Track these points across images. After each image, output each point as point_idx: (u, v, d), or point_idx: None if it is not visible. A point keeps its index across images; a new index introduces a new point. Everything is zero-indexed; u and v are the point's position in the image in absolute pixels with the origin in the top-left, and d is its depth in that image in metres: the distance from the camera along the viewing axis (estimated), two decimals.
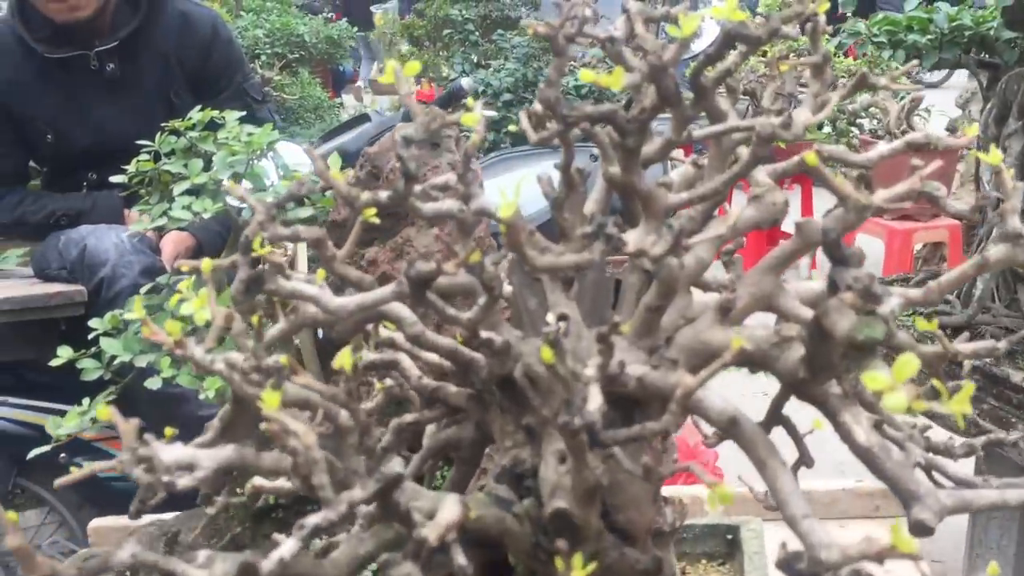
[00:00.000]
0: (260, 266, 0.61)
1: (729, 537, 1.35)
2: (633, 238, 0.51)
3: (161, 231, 2.77)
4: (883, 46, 3.23)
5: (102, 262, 2.51)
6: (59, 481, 0.50)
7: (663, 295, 0.57)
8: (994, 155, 0.59)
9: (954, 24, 2.87)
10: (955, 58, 2.82)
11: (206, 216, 1.20)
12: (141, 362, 1.20)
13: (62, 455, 2.65)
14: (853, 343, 0.44)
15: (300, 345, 1.26)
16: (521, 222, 0.51)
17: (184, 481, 0.50)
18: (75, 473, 0.57)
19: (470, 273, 0.54)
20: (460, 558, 0.50)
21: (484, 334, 0.56)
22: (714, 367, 0.47)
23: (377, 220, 0.62)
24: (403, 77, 0.57)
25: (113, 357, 1.22)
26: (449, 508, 0.53)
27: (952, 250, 4.56)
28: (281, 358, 0.53)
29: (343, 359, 0.50)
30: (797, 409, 0.60)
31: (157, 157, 1.30)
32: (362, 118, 3.33)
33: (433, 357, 0.68)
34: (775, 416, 0.64)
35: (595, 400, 0.46)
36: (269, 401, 0.48)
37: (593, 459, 0.55)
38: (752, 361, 0.57)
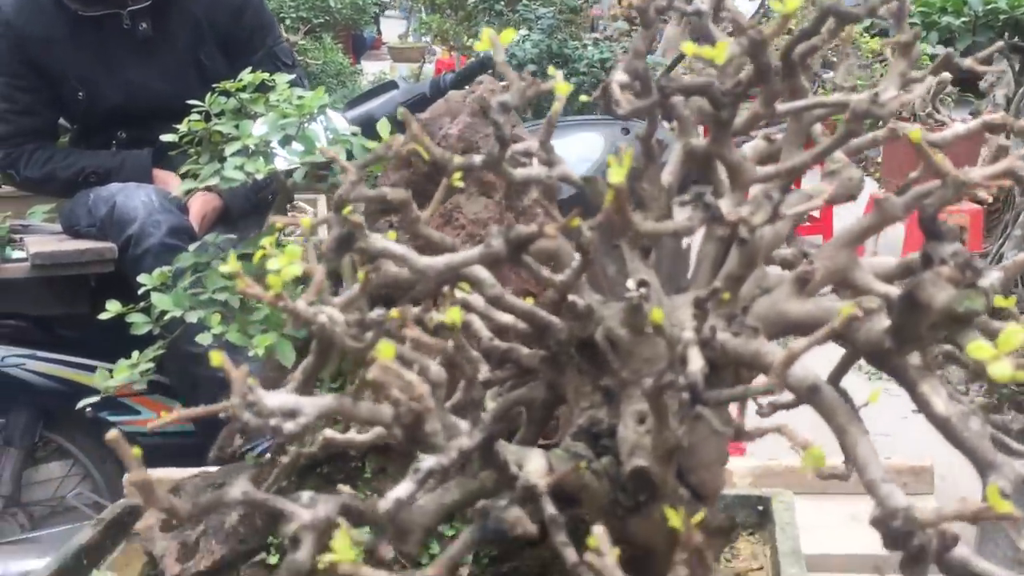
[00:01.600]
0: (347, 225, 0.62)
1: (760, 508, 1.37)
2: (725, 208, 0.53)
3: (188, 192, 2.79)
4: (916, 27, 3.21)
5: (131, 220, 2.53)
6: (111, 435, 0.51)
7: (746, 265, 0.59)
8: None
9: (989, 7, 2.86)
10: (988, 41, 2.80)
11: (259, 177, 1.21)
12: (192, 318, 1.22)
13: (88, 408, 2.70)
14: (952, 315, 0.46)
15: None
16: (626, 188, 0.52)
17: (289, 426, 0.52)
18: (167, 417, 0.59)
19: (567, 237, 0.55)
20: (551, 508, 0.52)
21: (570, 297, 0.58)
22: (820, 334, 0.49)
23: (461, 183, 0.63)
24: (498, 44, 0.58)
25: (163, 312, 1.24)
26: (536, 461, 0.55)
27: (972, 234, 4.55)
28: (392, 312, 0.55)
29: (452, 315, 0.52)
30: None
31: (207, 117, 1.32)
32: (389, 85, 3.32)
33: (507, 319, 0.69)
34: (835, 386, 0.66)
35: (696, 361, 0.48)
36: (385, 352, 0.50)
37: (674, 421, 0.56)
38: (835, 335, 0.59)
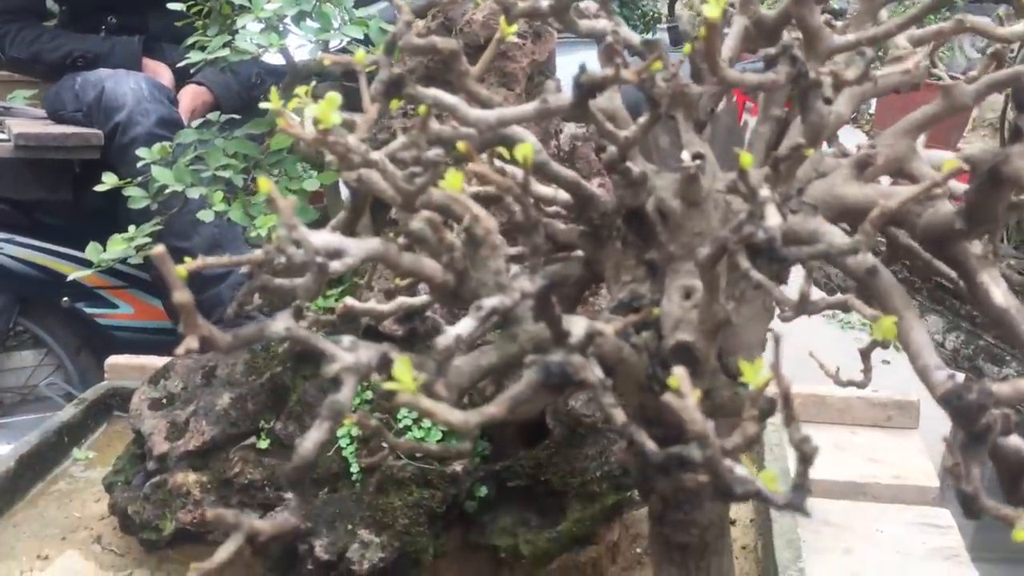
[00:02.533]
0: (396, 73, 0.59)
1: None
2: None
3: (184, 77, 2.72)
4: None
5: (119, 107, 2.46)
6: (156, 250, 0.47)
7: (812, 140, 0.56)
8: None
9: None
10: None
11: (272, 51, 1.16)
12: (193, 194, 1.18)
13: (65, 299, 2.66)
14: None
15: (328, 205, 1.25)
16: (720, 29, 0.49)
17: (335, 265, 0.49)
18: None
19: (641, 87, 0.52)
20: (598, 371, 0.50)
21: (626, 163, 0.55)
22: (924, 186, 0.46)
23: (513, 34, 0.60)
24: None
25: (161, 187, 1.20)
26: (581, 324, 0.52)
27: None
28: (459, 145, 0.52)
29: (523, 151, 0.49)
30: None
31: None
32: None
33: (546, 192, 0.67)
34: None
35: (774, 217, 0.45)
36: (453, 182, 0.47)
37: (723, 297, 0.54)
38: (892, 218, 0.57)
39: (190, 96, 2.71)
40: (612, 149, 0.54)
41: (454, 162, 0.59)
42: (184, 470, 1.16)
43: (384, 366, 0.50)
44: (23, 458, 1.33)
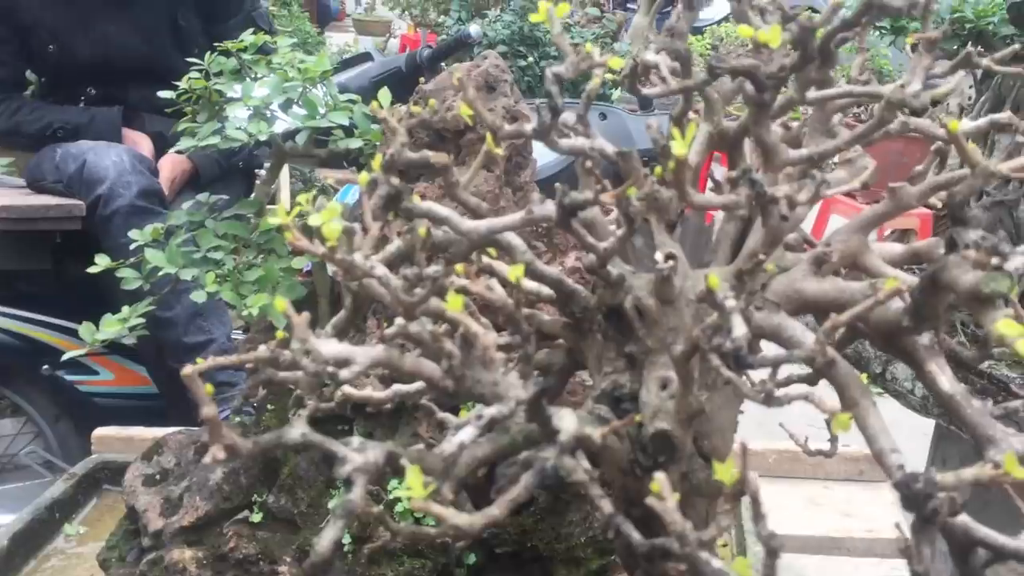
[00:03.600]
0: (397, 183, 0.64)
1: None
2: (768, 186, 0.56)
3: (164, 145, 2.77)
4: (884, 31, 3.28)
5: (101, 179, 2.51)
6: (186, 371, 0.52)
7: (770, 243, 0.62)
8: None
9: (956, 15, 2.91)
10: (955, 51, 2.89)
11: (261, 138, 1.22)
12: (186, 275, 1.22)
13: (45, 367, 2.67)
14: (978, 295, 0.50)
15: (316, 282, 1.29)
16: (687, 161, 0.55)
17: (344, 373, 0.54)
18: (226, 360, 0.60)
19: (618, 207, 0.58)
20: (586, 463, 0.55)
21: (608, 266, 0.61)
22: (869, 302, 0.52)
23: (499, 151, 0.65)
24: (554, 18, 0.61)
25: (155, 269, 1.24)
26: (569, 419, 0.57)
27: (921, 238, 4.69)
28: (457, 267, 0.57)
29: (515, 272, 0.55)
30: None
31: (207, 77, 1.32)
32: (363, 56, 3.32)
33: (531, 286, 0.72)
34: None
35: (740, 328, 0.51)
36: (453, 303, 0.52)
37: (696, 387, 0.60)
38: (843, 310, 0.62)
39: (170, 166, 2.76)
40: (592, 257, 0.60)
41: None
42: (180, 546, 1.19)
43: (391, 464, 0.54)
44: (16, 536, 1.35)
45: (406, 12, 7.60)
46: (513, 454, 0.60)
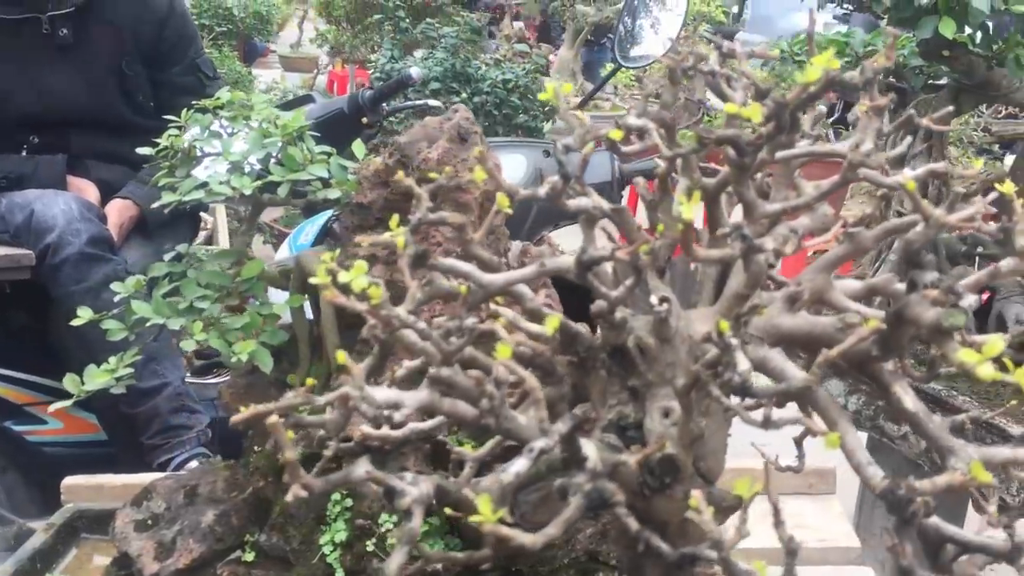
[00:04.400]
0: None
1: None
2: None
3: (108, 192, 2.78)
4: (803, 64, 3.46)
5: (49, 228, 2.51)
6: (271, 421, 0.59)
7: (752, 285, 0.71)
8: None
9: (868, 48, 3.08)
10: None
11: (246, 192, 1.27)
12: (174, 325, 1.27)
13: None
14: (940, 329, 0.59)
15: (322, 314, 1.35)
16: (694, 223, 0.64)
17: (398, 416, 0.61)
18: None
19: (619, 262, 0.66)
20: (612, 486, 0.62)
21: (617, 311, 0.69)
22: (852, 340, 0.61)
23: (510, 210, 0.73)
24: (560, 94, 0.69)
25: (141, 320, 1.29)
26: (591, 449, 0.65)
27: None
28: (500, 319, 0.64)
29: (552, 324, 0.62)
30: None
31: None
32: (305, 98, 3.36)
33: (537, 329, 0.80)
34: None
35: (744, 363, 0.59)
36: (503, 352, 0.60)
37: (697, 415, 0.68)
38: (819, 342, 0.72)
39: (117, 212, 2.77)
40: (601, 303, 0.68)
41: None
42: None
43: (439, 494, 0.62)
44: None
45: (334, 49, 7.65)
46: (535, 482, 0.67)
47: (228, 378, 2.98)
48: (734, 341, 0.60)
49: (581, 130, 0.69)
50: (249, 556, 1.28)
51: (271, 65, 9.80)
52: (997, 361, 0.55)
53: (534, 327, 0.80)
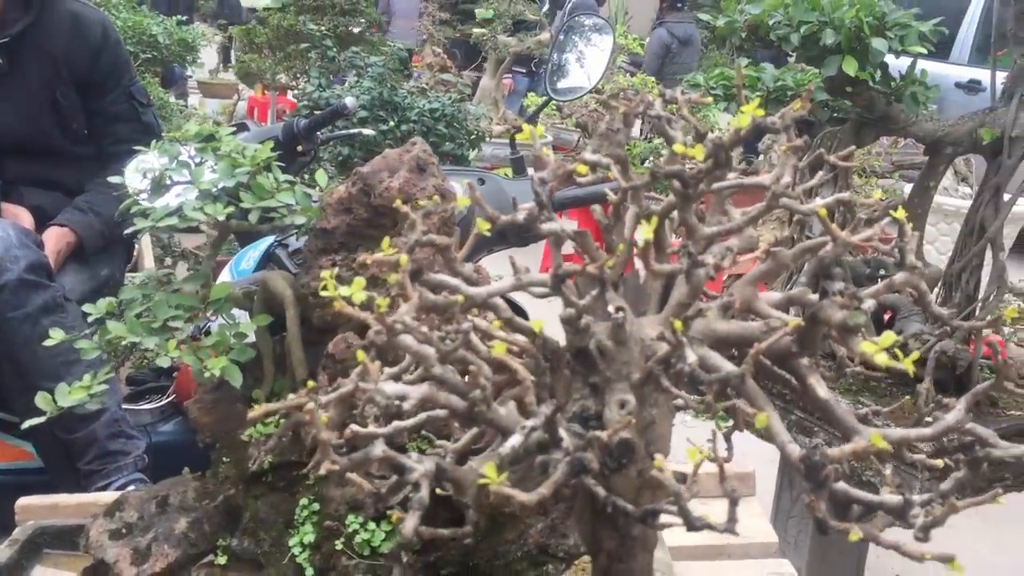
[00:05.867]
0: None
1: None
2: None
3: (43, 220, 2.80)
4: (719, 98, 3.67)
5: None
6: (252, 415, 0.70)
7: (692, 295, 0.85)
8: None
9: (778, 84, 3.31)
10: (772, 113, 3.31)
11: (220, 218, 1.37)
12: (149, 343, 1.35)
13: None
14: (846, 327, 0.73)
15: (288, 331, 1.45)
16: (652, 242, 0.77)
17: (406, 405, 0.72)
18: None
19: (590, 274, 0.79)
20: (590, 455, 0.75)
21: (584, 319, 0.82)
22: (776, 336, 0.75)
23: (488, 233, 0.86)
24: (536, 136, 0.82)
25: (118, 338, 1.36)
26: (565, 432, 0.78)
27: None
28: (494, 322, 0.76)
29: (537, 325, 0.74)
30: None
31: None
32: (240, 127, 3.43)
33: (510, 336, 0.92)
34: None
35: (692, 356, 0.72)
36: (498, 349, 0.71)
37: (648, 405, 0.81)
38: (749, 342, 0.86)
39: (54, 239, 2.80)
40: (570, 311, 0.81)
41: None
42: None
43: (439, 472, 0.73)
44: None
45: (252, 76, 7.67)
46: (515, 463, 0.79)
47: (160, 404, 3.02)
48: (684, 339, 0.73)
49: (554, 165, 0.82)
50: (222, 559, 1.36)
51: (189, 91, 9.74)
52: (890, 352, 0.70)
53: (505, 335, 0.93)
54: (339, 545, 1.31)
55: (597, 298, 0.79)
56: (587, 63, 3.31)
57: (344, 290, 0.83)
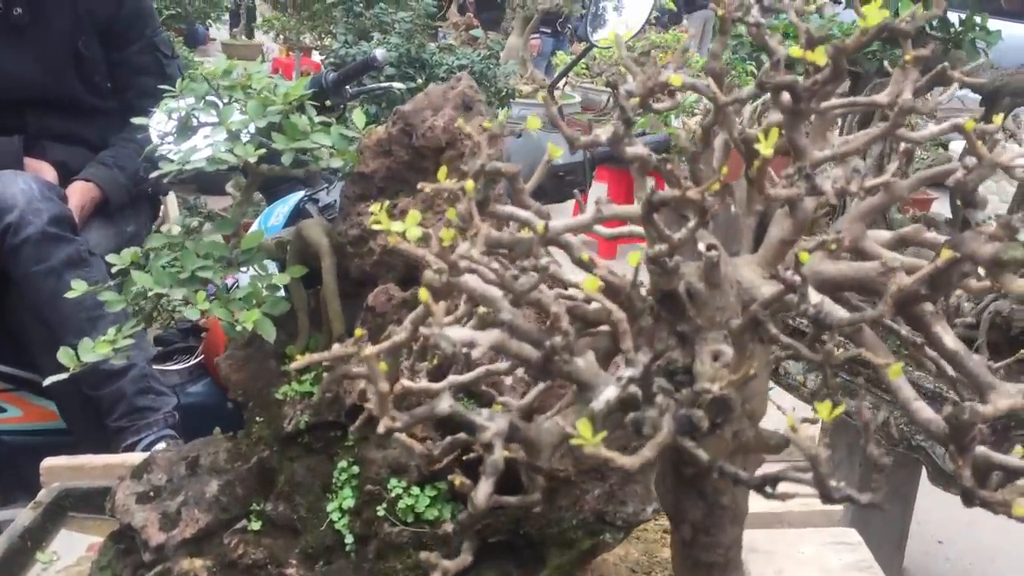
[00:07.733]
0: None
1: None
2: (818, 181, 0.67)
3: (67, 175, 2.73)
4: (760, 49, 3.53)
5: (10, 208, 2.45)
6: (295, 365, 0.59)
7: (797, 231, 0.74)
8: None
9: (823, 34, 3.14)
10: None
11: (251, 160, 1.26)
12: (176, 295, 1.25)
13: None
14: (999, 262, 0.62)
15: (324, 283, 1.35)
16: (770, 159, 0.65)
17: (475, 353, 0.62)
18: None
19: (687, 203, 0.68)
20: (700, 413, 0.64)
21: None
22: (922, 273, 0.63)
23: (560, 159, 0.74)
24: (621, 42, 0.70)
25: (142, 291, 1.27)
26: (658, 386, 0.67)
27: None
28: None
29: (634, 259, 0.63)
30: None
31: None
32: None
33: (576, 279, 0.81)
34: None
35: (815, 296, 0.61)
36: (590, 284, 0.61)
37: (748, 355, 0.70)
38: (863, 286, 0.74)
39: (79, 193, 2.72)
40: (661, 247, 0.69)
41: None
42: (185, 557, 1.22)
43: (512, 431, 0.63)
44: None
45: (280, 36, 7.54)
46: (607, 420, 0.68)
47: (188, 364, 2.94)
48: (796, 278, 0.62)
49: (643, 76, 0.71)
50: (255, 525, 1.27)
51: (210, 53, 9.65)
52: None
53: (576, 277, 0.81)
54: (381, 511, 1.22)
55: (696, 229, 0.68)
56: (625, 12, 3.18)
57: (397, 225, 0.73)
